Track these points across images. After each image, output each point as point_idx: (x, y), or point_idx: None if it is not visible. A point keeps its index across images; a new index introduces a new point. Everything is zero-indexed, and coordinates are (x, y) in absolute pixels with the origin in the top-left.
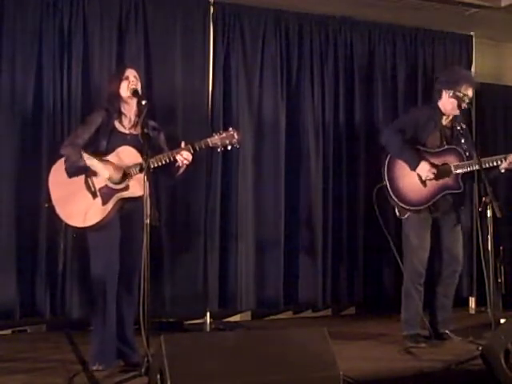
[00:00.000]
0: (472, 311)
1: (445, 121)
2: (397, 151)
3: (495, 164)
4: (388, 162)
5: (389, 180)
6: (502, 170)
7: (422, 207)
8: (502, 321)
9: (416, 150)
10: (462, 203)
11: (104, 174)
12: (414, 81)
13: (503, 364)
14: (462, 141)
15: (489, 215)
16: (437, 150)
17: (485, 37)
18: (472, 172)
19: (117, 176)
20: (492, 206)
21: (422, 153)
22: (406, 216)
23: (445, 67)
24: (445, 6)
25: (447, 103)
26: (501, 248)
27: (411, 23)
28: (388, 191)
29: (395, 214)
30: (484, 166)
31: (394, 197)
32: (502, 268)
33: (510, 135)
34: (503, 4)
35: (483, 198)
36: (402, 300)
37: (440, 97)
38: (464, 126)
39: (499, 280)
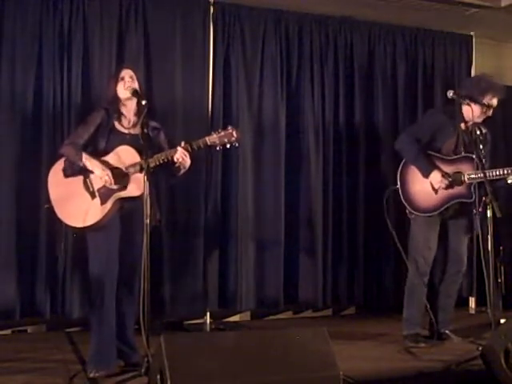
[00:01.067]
0: (472, 311)
1: (464, 126)
2: (411, 158)
3: (504, 173)
4: (402, 166)
5: (401, 183)
6: (509, 181)
7: (431, 214)
8: (502, 321)
9: (430, 156)
10: (473, 209)
11: (101, 175)
12: (414, 81)
13: (503, 364)
14: (481, 146)
15: (489, 215)
16: (452, 157)
17: (485, 37)
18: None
19: (113, 180)
20: (492, 206)
21: (436, 160)
22: (414, 215)
23: (445, 67)
24: (445, 6)
25: (470, 110)
26: (501, 248)
27: (411, 23)
28: (399, 195)
29: (398, 214)
30: (492, 177)
31: (404, 201)
32: (502, 268)
33: (509, 135)
34: (503, 4)
35: (483, 198)
36: (405, 298)
37: (463, 103)
38: (484, 131)
39: (499, 280)
